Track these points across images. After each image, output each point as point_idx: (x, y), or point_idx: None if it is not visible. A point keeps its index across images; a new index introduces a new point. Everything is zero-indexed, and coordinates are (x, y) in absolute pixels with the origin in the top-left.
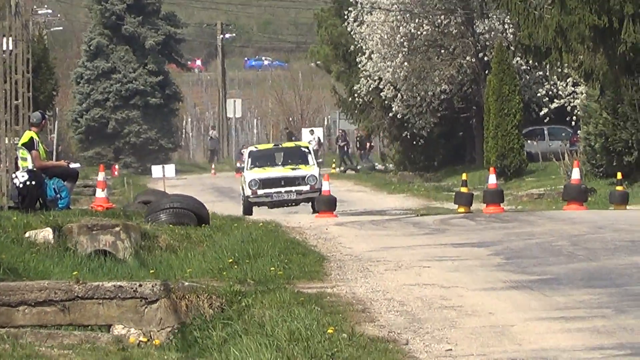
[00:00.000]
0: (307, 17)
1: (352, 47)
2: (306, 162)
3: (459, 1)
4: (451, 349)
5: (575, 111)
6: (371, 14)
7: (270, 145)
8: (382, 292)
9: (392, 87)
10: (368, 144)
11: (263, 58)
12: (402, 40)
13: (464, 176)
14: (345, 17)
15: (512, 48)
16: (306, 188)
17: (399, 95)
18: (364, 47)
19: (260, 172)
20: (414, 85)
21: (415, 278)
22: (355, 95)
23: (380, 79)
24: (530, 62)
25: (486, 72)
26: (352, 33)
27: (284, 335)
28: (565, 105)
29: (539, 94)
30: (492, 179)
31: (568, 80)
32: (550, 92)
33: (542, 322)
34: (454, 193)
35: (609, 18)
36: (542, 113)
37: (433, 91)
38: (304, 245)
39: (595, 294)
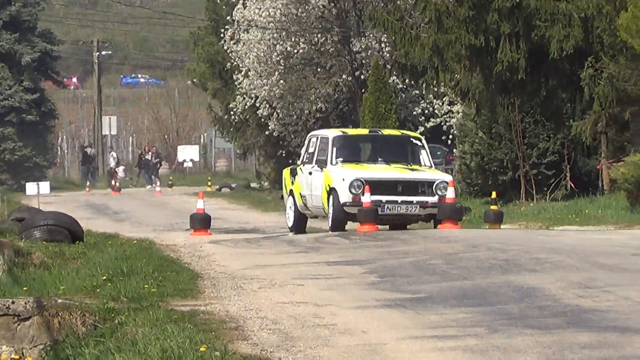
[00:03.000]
0: (183, 35)
1: (229, 65)
2: (418, 161)
3: (336, 19)
4: None
5: (451, 130)
6: (247, 32)
7: (365, 131)
8: (256, 310)
9: (268, 105)
10: (157, 161)
11: (139, 75)
12: (278, 58)
13: None
14: (222, 35)
15: (389, 67)
16: (433, 199)
17: (275, 113)
18: (240, 65)
19: (361, 169)
20: (290, 104)
21: (288, 296)
22: (231, 113)
23: (256, 97)
24: (407, 80)
25: (362, 90)
26: (228, 51)
27: (156, 353)
28: (442, 124)
29: (415, 113)
30: (366, 198)
31: (444, 99)
32: (426, 111)
33: (415, 340)
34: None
35: (485, 37)
36: (418, 132)
37: (309, 109)
38: (177, 263)
39: (469, 312)
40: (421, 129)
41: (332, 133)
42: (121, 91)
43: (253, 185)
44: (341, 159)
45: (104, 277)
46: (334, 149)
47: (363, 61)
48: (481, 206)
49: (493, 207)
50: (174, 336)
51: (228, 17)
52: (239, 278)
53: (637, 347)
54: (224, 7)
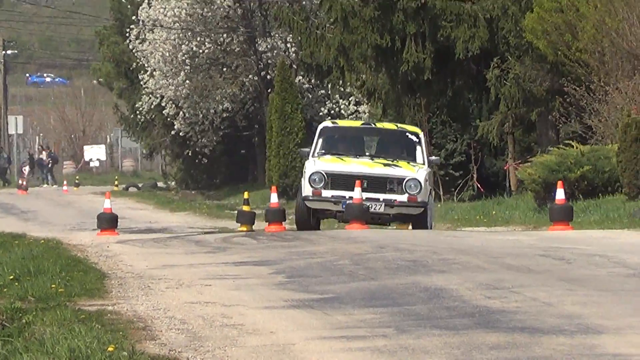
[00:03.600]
0: (89, 34)
1: (134, 64)
2: (412, 157)
3: (241, 19)
4: None
5: None
6: (153, 32)
7: (358, 123)
8: (164, 310)
9: (174, 105)
10: (49, 161)
11: (45, 75)
12: (184, 58)
13: (245, 195)
14: (127, 34)
15: (295, 67)
16: (402, 198)
17: (181, 113)
18: (146, 65)
19: (333, 162)
20: (196, 103)
21: (196, 296)
22: (137, 112)
23: (162, 96)
24: (313, 81)
25: (269, 90)
26: (134, 51)
27: (64, 353)
28: None
29: (321, 113)
30: (274, 198)
31: (350, 99)
32: (332, 111)
33: (323, 341)
34: (236, 211)
35: (391, 37)
36: None
37: (215, 109)
38: (85, 263)
39: (377, 313)
40: None
41: (323, 123)
42: (27, 90)
43: (160, 184)
44: (324, 151)
45: (11, 277)
46: (320, 139)
47: (269, 61)
48: None
49: None
50: (81, 336)
51: (133, 17)
52: (147, 278)
53: (546, 347)
54: (128, 6)
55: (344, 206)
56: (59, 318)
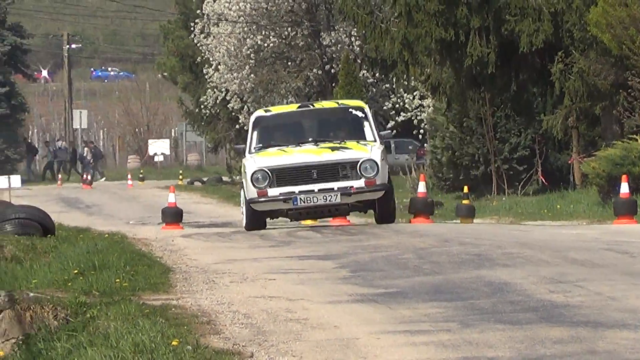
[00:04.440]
0: (153, 29)
1: (199, 58)
2: (361, 136)
3: (306, 13)
4: None
5: (422, 124)
6: (218, 26)
7: (294, 107)
8: (227, 305)
9: (238, 99)
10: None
11: (109, 69)
12: (248, 52)
13: None
14: (192, 28)
15: (359, 61)
16: (359, 184)
17: (245, 107)
18: (210, 59)
19: (275, 156)
20: (260, 97)
21: (260, 290)
22: (202, 107)
23: (227, 90)
24: (377, 74)
25: (333, 84)
26: (198, 45)
27: (128, 347)
28: (412, 118)
29: (385, 107)
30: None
31: (415, 94)
32: (397, 105)
33: (387, 335)
34: None
35: (455, 31)
36: (389, 126)
37: (280, 103)
38: (149, 257)
39: (441, 307)
40: (392, 122)
41: (255, 113)
42: (92, 84)
43: (224, 179)
44: (261, 145)
45: (76, 271)
46: (255, 132)
47: (333, 55)
48: (453, 200)
49: (465, 201)
50: (145, 330)
51: (198, 11)
52: (211, 272)
53: (609, 341)
54: (193, 0)
55: (295, 203)
56: (123, 312)
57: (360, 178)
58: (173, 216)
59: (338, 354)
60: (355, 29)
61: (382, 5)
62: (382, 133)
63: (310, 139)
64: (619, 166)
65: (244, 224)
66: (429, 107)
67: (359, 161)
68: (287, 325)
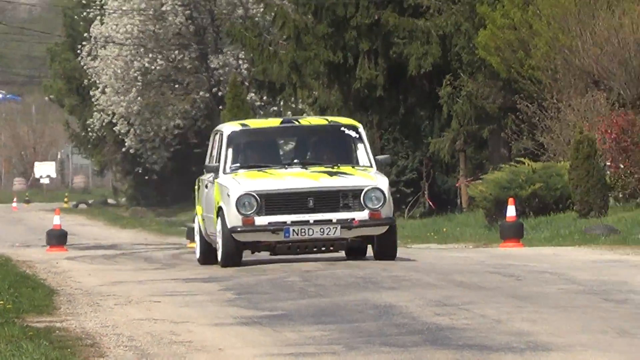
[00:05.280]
0: (40, 51)
1: (86, 81)
2: (354, 159)
3: (193, 36)
4: None
5: None
6: (105, 49)
7: (276, 122)
8: (112, 327)
9: (125, 122)
10: None
11: None
12: (136, 74)
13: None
14: (79, 51)
15: (247, 83)
16: (362, 216)
17: (132, 129)
18: (97, 82)
19: (262, 178)
20: (147, 120)
21: (145, 313)
22: (89, 129)
23: (113, 113)
24: (265, 97)
25: (220, 107)
26: (85, 67)
27: None
28: None
29: None
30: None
31: (303, 116)
32: None
33: (272, 357)
34: (186, 228)
35: (344, 54)
36: None
37: (167, 126)
38: (33, 279)
39: (326, 330)
40: None
41: (228, 127)
42: None
43: (110, 201)
44: (238, 165)
45: None
46: (229, 149)
47: (221, 78)
48: None
49: None
50: (29, 353)
51: (85, 34)
52: (96, 294)
53: None
54: (81, 23)
55: (286, 235)
56: (6, 335)
57: (364, 209)
58: (58, 238)
59: None
60: (243, 52)
61: (270, 28)
62: (378, 158)
63: (296, 161)
64: (506, 189)
65: (197, 257)
66: None
67: (363, 190)
68: (171, 347)
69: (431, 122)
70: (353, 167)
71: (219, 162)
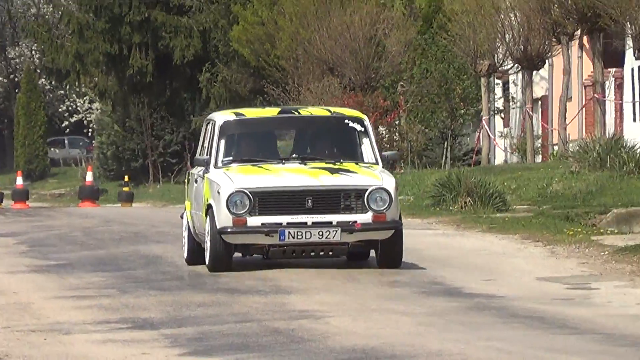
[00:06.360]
0: None
1: None
2: (358, 155)
3: None
4: None
5: (91, 124)
6: None
7: (273, 112)
8: None
9: None
10: None
11: None
12: None
13: None
14: None
15: (39, 71)
16: (365, 218)
17: None
18: None
19: (255, 174)
20: None
21: None
22: None
23: None
24: (53, 82)
25: (17, 90)
26: None
27: None
28: (83, 119)
29: (60, 110)
30: (19, 180)
31: (85, 98)
32: (70, 108)
33: (58, 300)
34: None
35: (119, 46)
36: (63, 125)
37: None
38: None
39: (104, 277)
40: (66, 122)
41: (221, 117)
42: None
43: None
44: (230, 158)
45: None
46: (222, 141)
47: (17, 66)
48: (116, 188)
49: (125, 188)
50: None
51: None
52: None
53: (244, 305)
54: None
55: (282, 238)
56: None
57: (367, 211)
58: None
59: (16, 316)
60: (35, 44)
61: (58, 24)
62: (385, 154)
63: (294, 155)
64: None
65: (185, 256)
66: (97, 109)
67: (367, 190)
68: None
69: (193, 102)
70: (357, 163)
71: (210, 154)
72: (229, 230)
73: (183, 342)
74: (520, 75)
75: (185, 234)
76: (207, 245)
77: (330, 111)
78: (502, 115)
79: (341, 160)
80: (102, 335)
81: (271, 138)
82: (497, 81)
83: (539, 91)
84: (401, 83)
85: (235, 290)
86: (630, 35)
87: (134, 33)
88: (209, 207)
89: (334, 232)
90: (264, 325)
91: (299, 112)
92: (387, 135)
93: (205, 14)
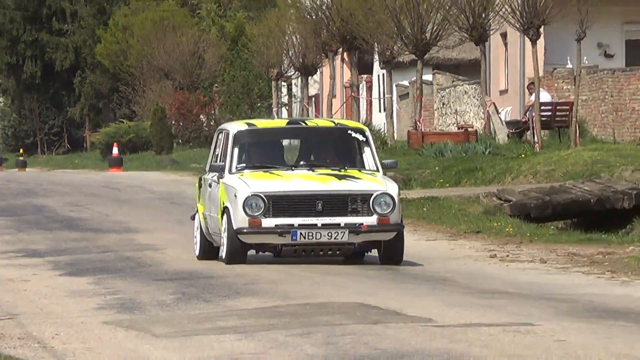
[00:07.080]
0: None
1: None
2: (359, 163)
3: None
4: None
5: None
6: None
7: (282, 123)
8: None
9: None
10: None
11: None
12: None
13: None
14: None
15: None
16: (370, 221)
17: None
18: None
19: (269, 179)
20: None
21: None
22: None
23: None
24: None
25: None
26: None
27: None
28: None
29: None
30: None
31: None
32: None
33: None
34: None
35: (17, 58)
36: None
37: None
38: None
39: (5, 220)
40: None
41: (234, 126)
42: None
43: None
44: (243, 165)
45: None
46: (235, 149)
47: None
48: (14, 157)
49: (21, 158)
50: None
51: None
52: None
53: (105, 240)
54: None
55: (294, 238)
56: None
57: (373, 214)
58: None
59: None
60: None
61: None
62: (384, 162)
63: (302, 163)
64: (112, 137)
65: (197, 253)
66: (1, 102)
67: (372, 194)
68: None
69: (69, 97)
70: (360, 170)
71: (224, 161)
72: (245, 230)
73: (62, 266)
74: (299, 79)
75: (197, 233)
76: (224, 242)
77: (334, 122)
78: (287, 107)
79: (345, 168)
80: (5, 262)
81: (280, 146)
82: (283, 83)
83: (313, 91)
84: (216, 85)
85: (99, 230)
86: (377, 52)
87: (27, 48)
88: (225, 209)
89: (342, 233)
90: (119, 254)
91: (305, 123)
92: (205, 122)
93: (78, 35)
